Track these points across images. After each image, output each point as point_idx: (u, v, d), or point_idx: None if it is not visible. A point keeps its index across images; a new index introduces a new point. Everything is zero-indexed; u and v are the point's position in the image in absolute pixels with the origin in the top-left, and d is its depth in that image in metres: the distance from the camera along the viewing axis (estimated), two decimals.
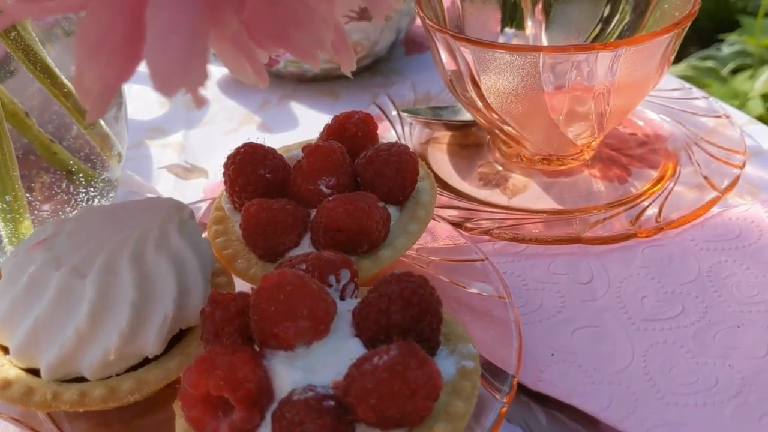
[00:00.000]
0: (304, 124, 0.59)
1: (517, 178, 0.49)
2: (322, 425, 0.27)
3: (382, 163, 0.38)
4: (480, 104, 0.45)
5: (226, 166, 0.40)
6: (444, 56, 0.45)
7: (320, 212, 0.36)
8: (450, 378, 0.30)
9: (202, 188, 0.51)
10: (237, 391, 0.27)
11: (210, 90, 0.64)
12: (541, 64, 0.41)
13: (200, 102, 0.22)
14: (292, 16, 0.27)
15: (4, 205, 0.40)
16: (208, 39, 0.22)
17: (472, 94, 0.45)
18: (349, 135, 0.41)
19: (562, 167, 0.49)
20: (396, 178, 0.38)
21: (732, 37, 1.85)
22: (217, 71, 0.67)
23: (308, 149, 0.39)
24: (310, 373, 0.29)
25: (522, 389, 0.35)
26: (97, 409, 0.32)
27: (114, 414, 0.34)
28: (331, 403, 0.27)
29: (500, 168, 0.50)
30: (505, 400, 0.32)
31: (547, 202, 0.47)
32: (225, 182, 0.40)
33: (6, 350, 0.33)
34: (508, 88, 0.43)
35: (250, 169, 0.39)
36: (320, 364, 0.29)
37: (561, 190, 0.48)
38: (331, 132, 0.41)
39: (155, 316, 0.32)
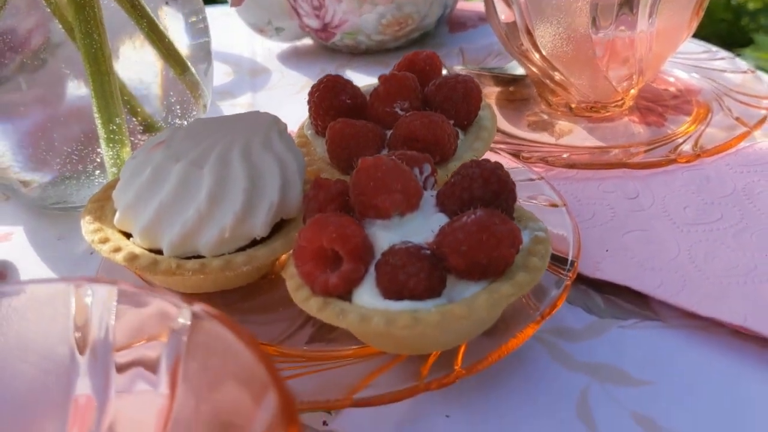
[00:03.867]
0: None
1: (563, 124, 0.54)
2: (420, 268, 0.31)
3: (450, 89, 0.43)
4: (533, 52, 0.50)
5: (311, 93, 0.45)
6: (499, 8, 0.50)
7: (399, 125, 0.41)
8: (525, 245, 0.34)
9: None
10: (347, 244, 0.32)
11: (272, 62, 0.70)
12: (588, 9, 0.46)
13: None
14: None
15: (114, 127, 0.45)
16: None
17: (526, 42, 0.50)
18: (418, 69, 0.46)
19: (605, 114, 0.54)
20: (462, 102, 0.43)
21: (746, 52, 1.90)
22: (276, 47, 0.72)
23: (384, 78, 0.44)
24: (405, 238, 0.33)
25: (581, 279, 0.39)
26: (212, 278, 0.36)
27: (219, 298, 0.39)
28: (428, 251, 0.32)
29: (547, 117, 0.55)
30: (569, 275, 0.36)
31: (592, 141, 0.51)
32: (309, 108, 0.45)
33: (128, 237, 0.38)
34: (559, 34, 0.48)
35: (332, 95, 0.44)
36: (413, 231, 0.33)
37: (604, 133, 0.52)
38: (401, 67, 0.46)
39: (263, 203, 0.37)
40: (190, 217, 0.36)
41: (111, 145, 0.46)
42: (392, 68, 0.47)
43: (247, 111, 0.42)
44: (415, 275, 0.31)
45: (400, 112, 0.43)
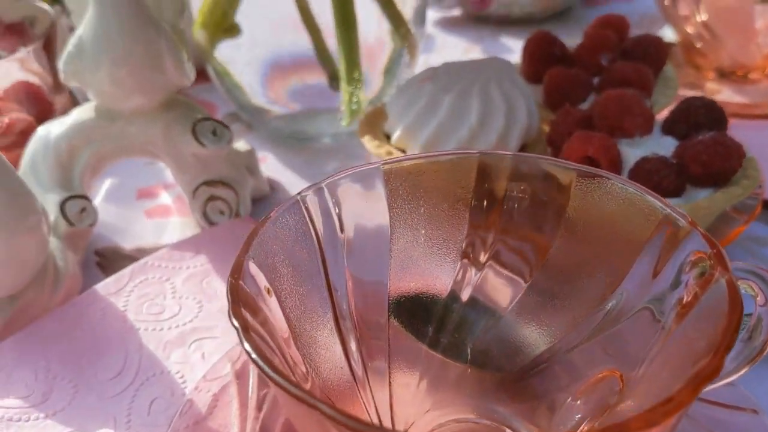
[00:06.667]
0: (516, 51, 0.74)
1: (712, 85, 0.63)
2: (670, 172, 0.40)
3: (647, 43, 0.53)
4: (696, 15, 0.59)
5: (527, 45, 0.54)
6: None
7: (612, 70, 0.50)
8: None
9: None
10: (608, 153, 0.41)
11: (432, 29, 0.79)
12: None
13: None
14: None
15: (357, 75, 0.55)
16: None
17: (691, 7, 0.59)
18: (612, 28, 0.55)
19: (748, 78, 0.63)
20: (657, 54, 0.53)
21: None
22: (430, 16, 0.82)
23: (590, 33, 0.53)
24: (645, 154, 0.42)
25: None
26: None
27: None
28: (674, 161, 0.41)
29: (694, 80, 0.64)
30: (761, 192, 0.45)
31: (741, 99, 0.60)
32: (523, 57, 0.54)
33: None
34: (722, 3, 0.57)
35: (545, 46, 0.53)
36: (651, 149, 0.43)
37: (749, 92, 0.61)
38: (596, 27, 0.56)
39: (517, 125, 0.46)
40: (463, 135, 0.45)
41: (352, 87, 0.55)
42: (586, 27, 0.56)
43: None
44: (667, 177, 0.40)
45: (604, 62, 0.52)
